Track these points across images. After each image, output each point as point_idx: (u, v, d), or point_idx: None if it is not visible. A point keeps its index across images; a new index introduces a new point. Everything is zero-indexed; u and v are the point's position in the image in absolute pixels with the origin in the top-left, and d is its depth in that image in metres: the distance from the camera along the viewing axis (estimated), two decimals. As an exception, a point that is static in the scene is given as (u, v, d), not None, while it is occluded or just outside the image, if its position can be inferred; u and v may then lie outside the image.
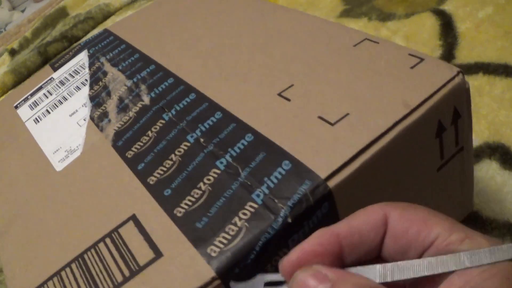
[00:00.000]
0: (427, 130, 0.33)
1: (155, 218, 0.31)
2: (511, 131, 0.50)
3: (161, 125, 0.37)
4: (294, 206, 0.28)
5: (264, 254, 0.28)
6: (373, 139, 0.30)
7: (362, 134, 0.30)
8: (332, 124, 0.32)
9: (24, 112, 0.50)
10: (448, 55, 0.61)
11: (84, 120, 0.43)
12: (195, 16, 0.51)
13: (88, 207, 0.34)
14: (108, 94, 0.44)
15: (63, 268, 0.31)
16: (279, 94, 0.36)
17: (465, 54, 0.60)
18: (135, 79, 0.44)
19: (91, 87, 0.46)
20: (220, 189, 0.30)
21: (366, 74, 0.35)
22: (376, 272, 0.23)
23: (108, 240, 0.31)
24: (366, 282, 0.23)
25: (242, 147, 0.32)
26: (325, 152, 0.30)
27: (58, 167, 0.39)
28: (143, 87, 0.42)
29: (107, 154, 0.38)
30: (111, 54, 0.50)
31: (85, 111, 0.44)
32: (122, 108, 0.41)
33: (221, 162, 0.32)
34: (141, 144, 0.37)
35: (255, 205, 0.29)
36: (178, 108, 0.38)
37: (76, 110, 0.45)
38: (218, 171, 0.32)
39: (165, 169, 0.34)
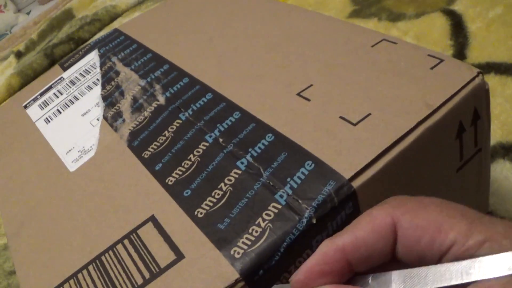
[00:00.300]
0: (448, 131, 0.33)
1: (175, 219, 0.31)
2: (525, 132, 0.50)
3: (178, 125, 0.37)
4: (319, 207, 0.28)
5: (288, 255, 0.27)
6: (396, 139, 0.30)
7: (385, 134, 0.30)
8: (354, 124, 0.31)
9: (34, 111, 0.50)
10: (459, 55, 0.61)
11: (97, 120, 0.42)
12: (207, 16, 0.51)
13: (104, 208, 0.34)
14: (122, 94, 0.43)
15: (79, 270, 0.31)
16: (299, 94, 0.35)
17: (476, 54, 0.60)
18: (148, 79, 0.43)
19: (103, 87, 0.46)
20: (242, 190, 0.30)
21: (386, 74, 0.35)
22: (390, 282, 0.23)
23: (126, 242, 0.31)
24: None
25: (262, 147, 0.32)
26: (348, 152, 0.30)
27: (72, 167, 0.39)
28: (157, 86, 0.42)
29: (123, 154, 0.37)
30: (122, 54, 0.50)
31: (98, 111, 0.43)
32: (137, 108, 0.41)
33: (242, 163, 0.32)
34: (158, 144, 0.36)
35: (279, 206, 0.28)
36: (195, 108, 0.38)
37: (89, 110, 0.44)
38: (239, 172, 0.31)
39: (184, 169, 0.33)
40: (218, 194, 0.31)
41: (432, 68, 0.34)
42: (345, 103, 0.33)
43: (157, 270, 0.28)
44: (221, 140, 0.34)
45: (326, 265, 0.23)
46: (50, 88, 0.52)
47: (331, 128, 0.32)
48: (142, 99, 0.41)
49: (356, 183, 0.28)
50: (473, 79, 0.33)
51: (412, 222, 0.23)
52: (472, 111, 0.33)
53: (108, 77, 0.47)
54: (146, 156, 0.36)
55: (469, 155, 0.36)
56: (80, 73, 0.51)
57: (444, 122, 0.31)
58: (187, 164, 0.33)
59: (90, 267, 0.31)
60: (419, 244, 0.22)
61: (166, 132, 0.37)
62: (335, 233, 0.25)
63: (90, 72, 0.50)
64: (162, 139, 0.36)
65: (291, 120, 0.33)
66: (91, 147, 0.40)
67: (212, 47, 0.45)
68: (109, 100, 0.44)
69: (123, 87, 0.44)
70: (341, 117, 0.32)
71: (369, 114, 0.32)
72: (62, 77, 0.53)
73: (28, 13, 1.68)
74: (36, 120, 0.48)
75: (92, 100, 0.45)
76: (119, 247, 0.31)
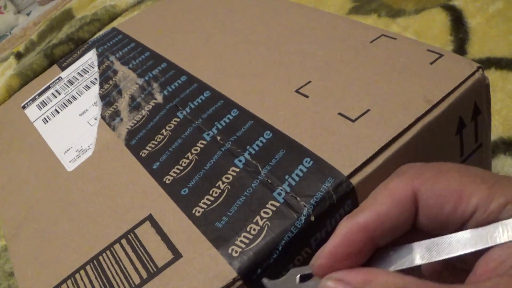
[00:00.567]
0: (448, 127, 0.32)
1: (173, 218, 0.30)
2: (526, 127, 0.50)
3: (175, 123, 0.37)
4: (317, 204, 0.27)
5: (286, 253, 0.27)
6: (396, 135, 0.29)
7: (384, 131, 0.30)
8: (353, 121, 0.31)
9: (32, 112, 0.49)
10: (459, 50, 0.60)
11: (95, 119, 0.42)
12: (205, 14, 0.50)
13: (102, 208, 0.34)
14: (119, 93, 0.43)
15: (77, 271, 0.31)
16: (297, 91, 0.35)
17: (477, 49, 0.60)
18: (146, 77, 0.43)
19: (101, 86, 0.46)
20: (240, 188, 0.30)
21: (385, 70, 0.34)
22: (413, 254, 0.22)
23: (124, 241, 0.31)
24: (393, 280, 0.21)
25: (260, 144, 0.32)
26: (346, 148, 0.29)
27: (70, 167, 0.39)
28: (155, 85, 0.42)
29: (120, 154, 0.37)
30: (120, 53, 0.49)
31: (96, 110, 0.43)
32: (134, 106, 0.40)
33: (240, 160, 0.31)
34: (156, 143, 0.36)
35: (277, 204, 0.28)
36: (192, 106, 0.37)
37: (87, 109, 0.44)
38: (237, 169, 0.31)
39: (181, 168, 0.33)
40: (216, 193, 0.30)
41: (431, 63, 0.34)
42: (343, 99, 0.33)
43: (155, 270, 0.28)
44: (219, 138, 0.34)
45: (349, 247, 0.22)
46: (48, 88, 0.52)
47: (330, 125, 0.31)
48: (139, 98, 0.41)
49: (355, 180, 0.28)
50: (473, 73, 0.32)
51: (432, 192, 0.22)
52: (473, 106, 0.33)
53: (106, 76, 0.47)
54: (143, 155, 0.35)
55: (470, 151, 0.35)
56: (78, 73, 0.50)
57: (444, 117, 0.31)
58: (185, 163, 0.33)
59: (88, 267, 0.30)
60: (441, 213, 0.22)
61: (163, 130, 0.36)
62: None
63: (88, 72, 0.49)
64: (159, 138, 0.36)
65: (289, 117, 0.33)
66: (88, 146, 0.39)
67: (210, 45, 0.44)
68: (107, 99, 0.43)
69: (121, 86, 0.44)
70: (339, 114, 0.32)
71: (368, 110, 0.31)
72: (60, 77, 0.52)
73: (28, 14, 1.68)
74: (34, 121, 0.48)
75: (90, 100, 0.45)
76: (117, 246, 0.30)
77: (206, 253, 0.28)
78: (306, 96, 0.34)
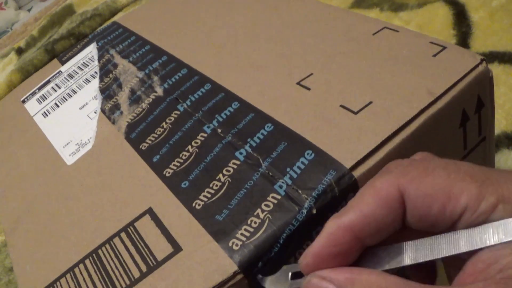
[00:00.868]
0: (451, 119, 0.32)
1: (173, 211, 0.30)
2: (530, 121, 0.49)
3: (176, 116, 0.36)
4: (319, 197, 0.27)
5: (288, 246, 0.27)
6: (398, 128, 0.29)
7: (386, 123, 0.29)
8: (355, 113, 0.31)
9: (32, 106, 0.49)
10: (462, 44, 0.60)
11: (95, 112, 0.42)
12: (206, 7, 0.50)
13: (102, 201, 0.33)
14: (119, 86, 0.43)
15: (76, 265, 0.30)
16: (298, 83, 0.34)
17: (480, 43, 0.59)
18: (147, 71, 0.43)
19: (101, 80, 0.45)
20: (241, 181, 0.29)
21: (387, 62, 0.34)
22: (402, 254, 0.22)
23: (123, 235, 0.30)
24: (376, 280, 0.21)
25: (261, 137, 0.31)
26: (348, 141, 0.29)
27: (69, 160, 0.38)
28: (155, 78, 0.41)
29: (120, 147, 0.37)
30: (121, 46, 0.49)
31: (96, 104, 0.43)
32: (135, 99, 0.40)
33: (241, 153, 0.31)
34: (156, 136, 0.35)
35: (278, 197, 0.28)
36: (193, 99, 0.37)
37: (86, 103, 0.44)
38: (237, 162, 0.31)
39: (181, 161, 0.33)
40: (217, 185, 0.30)
41: (434, 55, 0.33)
42: (345, 92, 0.32)
43: (154, 263, 0.28)
44: (219, 130, 0.33)
45: (335, 247, 0.22)
46: (48, 82, 0.52)
47: (332, 117, 0.31)
48: (140, 91, 0.41)
49: (357, 173, 0.28)
50: (477, 66, 0.32)
51: (419, 191, 0.22)
52: (476, 99, 0.33)
53: (106, 69, 0.46)
54: (143, 148, 0.35)
55: (473, 144, 0.35)
56: (78, 67, 0.50)
57: (447, 110, 0.31)
58: (185, 156, 0.33)
59: (87, 261, 0.30)
60: (429, 213, 0.21)
61: (164, 123, 0.36)
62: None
63: (88, 65, 0.49)
64: (159, 131, 0.36)
65: (290, 110, 0.33)
66: (88, 140, 0.39)
67: (211, 37, 0.44)
68: (107, 92, 0.43)
69: (121, 79, 0.44)
70: (341, 106, 0.31)
71: (370, 103, 0.31)
72: (60, 71, 0.52)
73: (29, 10, 1.68)
74: (34, 115, 0.47)
75: (90, 93, 0.45)
76: (116, 240, 0.30)
77: (206, 246, 0.27)
78: (308, 89, 0.34)
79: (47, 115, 0.46)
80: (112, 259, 0.29)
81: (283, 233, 0.26)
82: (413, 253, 0.22)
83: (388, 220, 0.22)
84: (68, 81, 0.49)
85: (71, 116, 0.44)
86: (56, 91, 0.49)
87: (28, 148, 0.43)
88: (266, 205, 0.27)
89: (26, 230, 0.35)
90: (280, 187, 0.28)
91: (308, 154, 0.29)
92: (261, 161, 0.30)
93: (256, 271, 0.26)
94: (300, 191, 0.27)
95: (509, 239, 0.19)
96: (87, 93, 0.45)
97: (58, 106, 0.46)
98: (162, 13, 0.53)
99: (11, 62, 1.00)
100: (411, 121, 0.30)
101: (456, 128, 0.33)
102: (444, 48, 0.34)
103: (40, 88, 0.51)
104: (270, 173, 0.29)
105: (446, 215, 0.21)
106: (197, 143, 0.33)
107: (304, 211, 0.27)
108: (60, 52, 0.88)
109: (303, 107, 0.32)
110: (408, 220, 0.22)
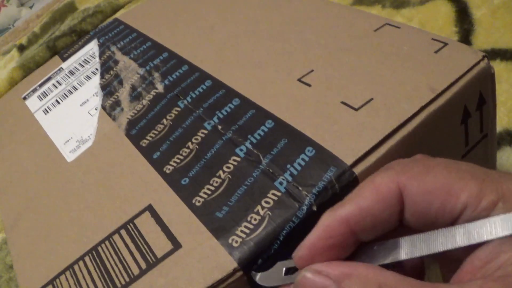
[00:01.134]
0: (453, 116, 0.32)
1: (173, 208, 0.30)
2: (532, 118, 0.49)
3: (176, 112, 0.36)
4: (319, 194, 0.27)
5: (288, 243, 0.26)
6: (399, 124, 0.29)
7: (387, 119, 0.29)
8: (356, 109, 0.30)
9: (33, 103, 0.49)
10: (464, 41, 0.59)
11: (96, 109, 0.41)
12: (207, 3, 0.50)
13: (102, 198, 0.33)
14: (120, 83, 0.43)
15: (76, 262, 0.30)
16: (299, 80, 0.34)
17: (482, 40, 0.59)
18: (147, 67, 0.43)
19: (102, 76, 0.45)
20: (241, 177, 0.29)
21: (389, 58, 0.34)
22: (398, 249, 0.22)
23: (123, 232, 0.30)
24: (373, 275, 0.21)
25: (262, 133, 0.31)
26: (349, 137, 0.29)
27: (69, 157, 0.38)
28: (156, 75, 0.41)
29: (121, 144, 0.36)
30: (122, 43, 0.49)
31: (97, 101, 0.43)
32: (135, 96, 0.40)
33: (241, 150, 0.31)
34: (156, 132, 0.35)
35: (278, 193, 0.28)
36: (193, 95, 0.37)
37: (87, 100, 0.44)
38: (238, 159, 0.30)
39: (182, 157, 0.32)
40: (217, 182, 0.30)
41: (436, 52, 0.33)
42: (346, 88, 0.32)
43: (154, 260, 0.28)
44: (220, 127, 0.33)
45: (330, 239, 0.22)
46: (49, 79, 0.52)
47: (332, 114, 0.31)
48: (140, 87, 0.41)
49: (358, 169, 0.28)
50: (478, 62, 0.32)
51: (419, 188, 0.21)
52: (478, 95, 0.33)
53: (107, 66, 0.46)
54: (144, 145, 0.35)
55: (475, 141, 0.35)
56: (79, 63, 0.50)
57: (448, 106, 0.30)
58: (185, 152, 0.33)
59: (86, 258, 0.30)
60: (429, 210, 0.21)
61: (164, 120, 0.36)
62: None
63: (89, 62, 0.49)
64: (160, 127, 0.36)
65: (291, 106, 0.32)
66: (89, 136, 0.39)
67: (212, 34, 0.44)
68: (108, 89, 0.43)
69: (122, 76, 0.43)
70: (342, 102, 0.31)
71: (371, 99, 0.31)
72: (61, 68, 0.52)
73: (31, 7, 1.68)
74: (35, 111, 0.47)
75: (90, 90, 0.45)
76: (116, 237, 0.30)
77: (206, 243, 0.27)
78: (309, 85, 0.34)
79: (48, 112, 0.46)
80: (111, 256, 0.29)
81: (283, 230, 0.26)
82: (409, 248, 0.22)
83: (384, 215, 0.22)
84: (69, 78, 0.49)
85: (72, 112, 0.44)
86: (57, 88, 0.49)
87: (28, 145, 0.43)
88: (266, 202, 0.27)
89: (26, 227, 0.35)
90: (281, 183, 0.28)
91: (308, 150, 0.29)
92: (262, 158, 0.30)
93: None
94: (300, 188, 0.27)
95: (506, 234, 0.19)
96: (88, 89, 0.45)
97: (59, 103, 0.46)
98: (163, 10, 0.53)
99: (12, 59, 1.00)
100: (412, 118, 0.29)
101: (458, 125, 0.32)
102: (446, 44, 0.34)
103: (41, 85, 0.51)
104: (271, 170, 0.29)
105: (446, 213, 0.21)
106: (197, 139, 0.33)
107: (305, 208, 0.26)
108: (61, 49, 0.88)
109: (303, 104, 0.32)
110: (407, 218, 0.22)
